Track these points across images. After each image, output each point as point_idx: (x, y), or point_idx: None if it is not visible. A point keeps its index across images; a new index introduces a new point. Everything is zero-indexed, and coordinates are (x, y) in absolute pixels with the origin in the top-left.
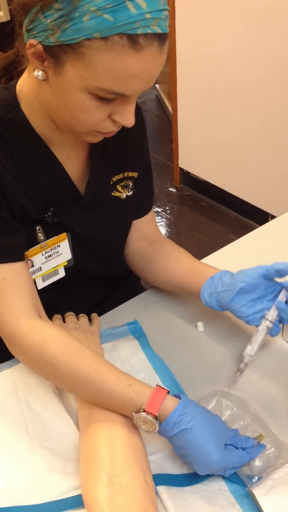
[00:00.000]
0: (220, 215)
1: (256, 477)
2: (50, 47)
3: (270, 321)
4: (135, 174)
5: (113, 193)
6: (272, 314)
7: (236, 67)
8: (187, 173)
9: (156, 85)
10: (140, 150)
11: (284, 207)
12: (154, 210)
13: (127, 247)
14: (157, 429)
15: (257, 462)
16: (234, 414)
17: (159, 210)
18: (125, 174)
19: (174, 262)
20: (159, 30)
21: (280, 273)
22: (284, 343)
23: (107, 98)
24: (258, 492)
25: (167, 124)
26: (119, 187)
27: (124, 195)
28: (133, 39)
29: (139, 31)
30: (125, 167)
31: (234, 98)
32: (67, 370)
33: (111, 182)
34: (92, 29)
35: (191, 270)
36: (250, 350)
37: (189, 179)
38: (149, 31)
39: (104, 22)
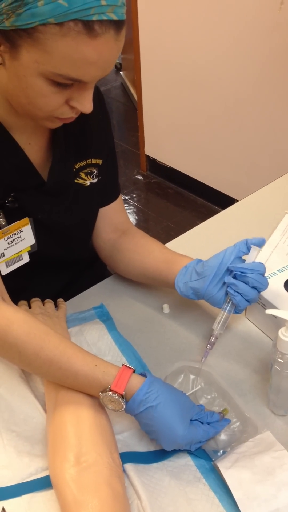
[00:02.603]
0: (187, 201)
1: (221, 451)
2: (5, 32)
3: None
4: (99, 161)
5: (76, 180)
6: None
7: (200, 53)
8: (154, 160)
9: (121, 73)
10: (103, 136)
11: (250, 192)
12: (122, 198)
13: (99, 238)
14: (123, 408)
15: (223, 436)
16: (201, 389)
17: (127, 198)
18: (88, 161)
19: (147, 254)
20: (115, 17)
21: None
22: (247, 323)
23: (63, 83)
24: (222, 466)
25: (133, 111)
26: (82, 174)
27: (88, 183)
28: (88, 26)
29: (94, 18)
30: (88, 154)
31: (198, 84)
32: (32, 353)
33: (74, 169)
34: (47, 14)
35: (164, 261)
36: (219, 323)
37: (155, 166)
38: (105, 17)
39: (59, 7)
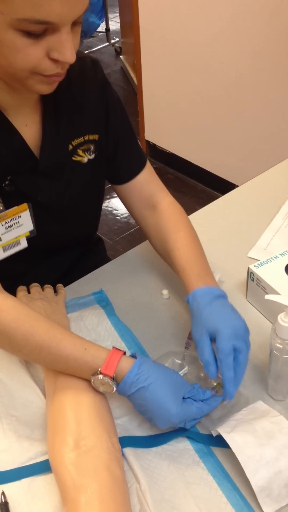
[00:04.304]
0: (187, 187)
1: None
2: None
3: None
4: (95, 137)
5: (73, 158)
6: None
7: (201, 37)
8: (154, 145)
9: (121, 56)
10: (101, 111)
11: (250, 178)
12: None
13: (134, 215)
14: (114, 390)
15: (215, 414)
16: (188, 372)
17: None
18: (86, 138)
19: (169, 251)
20: None
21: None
22: (248, 305)
23: (35, 32)
24: (223, 430)
25: (133, 96)
26: (79, 151)
27: (85, 159)
28: None
29: None
30: (85, 130)
31: (199, 69)
32: (22, 339)
33: (71, 147)
34: None
35: (181, 270)
36: None
37: (155, 151)
38: None
39: None
